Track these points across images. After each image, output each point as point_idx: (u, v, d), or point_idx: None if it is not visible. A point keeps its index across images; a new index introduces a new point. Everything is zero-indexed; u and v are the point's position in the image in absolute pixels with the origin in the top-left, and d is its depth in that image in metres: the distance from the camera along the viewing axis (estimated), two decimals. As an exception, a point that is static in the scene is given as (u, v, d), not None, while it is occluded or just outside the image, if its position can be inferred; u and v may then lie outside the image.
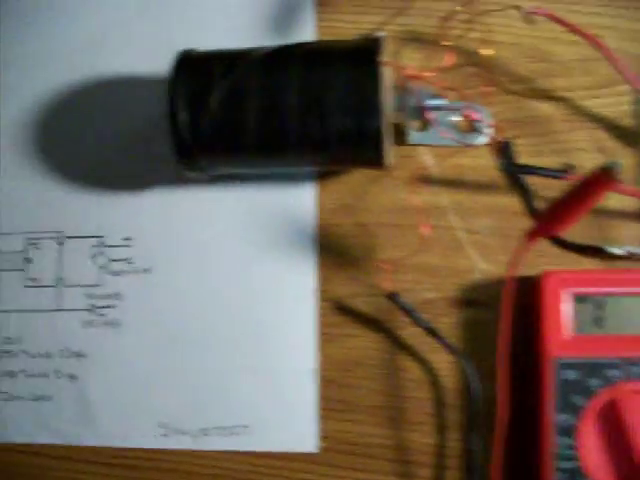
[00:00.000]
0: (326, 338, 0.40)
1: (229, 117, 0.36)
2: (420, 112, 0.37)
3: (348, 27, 0.42)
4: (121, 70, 0.44)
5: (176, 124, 0.36)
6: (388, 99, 0.36)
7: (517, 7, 0.37)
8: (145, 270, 0.42)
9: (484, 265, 0.39)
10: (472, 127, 0.40)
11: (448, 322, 0.39)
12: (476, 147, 0.40)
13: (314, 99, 0.35)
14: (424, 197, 0.40)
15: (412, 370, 0.39)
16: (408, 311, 0.38)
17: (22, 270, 0.43)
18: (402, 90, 0.37)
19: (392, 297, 0.38)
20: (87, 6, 0.45)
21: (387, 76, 0.36)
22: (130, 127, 0.43)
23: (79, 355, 0.42)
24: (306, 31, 0.42)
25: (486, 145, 0.40)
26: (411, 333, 0.39)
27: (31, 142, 0.44)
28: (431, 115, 0.38)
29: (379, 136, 0.35)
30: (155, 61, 0.42)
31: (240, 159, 0.38)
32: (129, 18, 0.44)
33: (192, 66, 0.37)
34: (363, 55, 0.35)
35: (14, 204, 0.43)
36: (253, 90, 0.35)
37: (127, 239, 0.42)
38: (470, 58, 0.41)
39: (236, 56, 0.37)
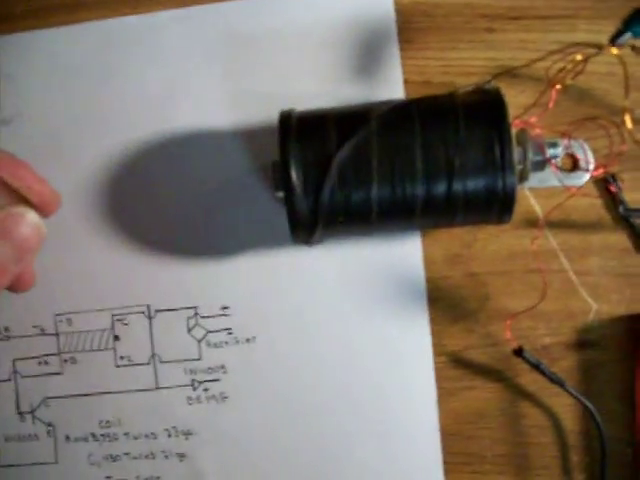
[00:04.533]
0: (444, 392, 0.40)
1: (352, 189, 0.33)
2: (542, 164, 0.36)
3: (435, 65, 0.40)
4: (193, 123, 0.41)
5: (293, 200, 0.33)
6: (514, 155, 0.34)
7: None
8: (247, 340, 0.40)
9: (598, 305, 0.39)
10: (575, 165, 0.39)
11: (566, 366, 0.39)
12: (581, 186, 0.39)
13: (440, 162, 0.33)
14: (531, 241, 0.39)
15: (533, 416, 0.39)
16: (535, 366, 0.37)
17: (112, 349, 0.40)
18: (521, 142, 0.36)
19: (519, 353, 0.37)
20: (154, 62, 0.41)
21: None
22: (213, 186, 0.40)
23: (187, 433, 0.40)
24: (392, 69, 0.40)
25: (590, 182, 0.39)
26: (529, 380, 0.39)
27: (101, 208, 0.41)
28: (552, 164, 0.36)
29: (513, 195, 0.33)
30: (229, 110, 0.40)
31: (360, 230, 0.36)
32: (195, 68, 0.41)
33: (301, 131, 0.34)
34: (491, 113, 0.33)
35: (94, 279, 0.41)
36: (375, 157, 0.33)
37: (224, 308, 0.40)
38: (566, 92, 0.39)
39: (350, 118, 0.34)
